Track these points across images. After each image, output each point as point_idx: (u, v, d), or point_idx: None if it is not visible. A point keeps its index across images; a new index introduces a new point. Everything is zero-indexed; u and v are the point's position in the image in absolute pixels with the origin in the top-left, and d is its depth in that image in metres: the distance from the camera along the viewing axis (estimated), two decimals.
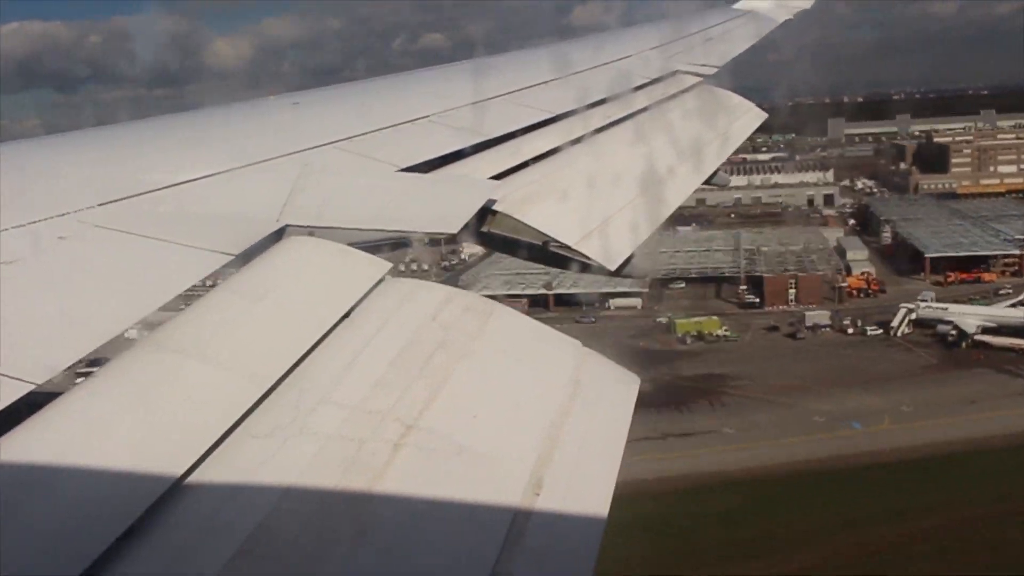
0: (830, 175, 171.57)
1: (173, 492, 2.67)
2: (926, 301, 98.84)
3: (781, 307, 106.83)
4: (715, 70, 10.81)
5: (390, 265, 4.22)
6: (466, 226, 4.61)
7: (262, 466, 2.88)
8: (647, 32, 12.04)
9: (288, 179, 4.78)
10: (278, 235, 4.23)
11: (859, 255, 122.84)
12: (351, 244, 4.31)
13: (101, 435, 2.81)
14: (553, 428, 3.56)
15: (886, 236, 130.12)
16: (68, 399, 2.86)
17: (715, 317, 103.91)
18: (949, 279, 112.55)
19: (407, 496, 2.98)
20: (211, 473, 2.79)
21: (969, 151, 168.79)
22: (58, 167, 4.70)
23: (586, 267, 5.22)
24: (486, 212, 5.10)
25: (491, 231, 5.13)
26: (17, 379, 2.79)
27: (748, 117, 9.64)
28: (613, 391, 4.09)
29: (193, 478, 2.75)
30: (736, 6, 14.58)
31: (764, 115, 9.91)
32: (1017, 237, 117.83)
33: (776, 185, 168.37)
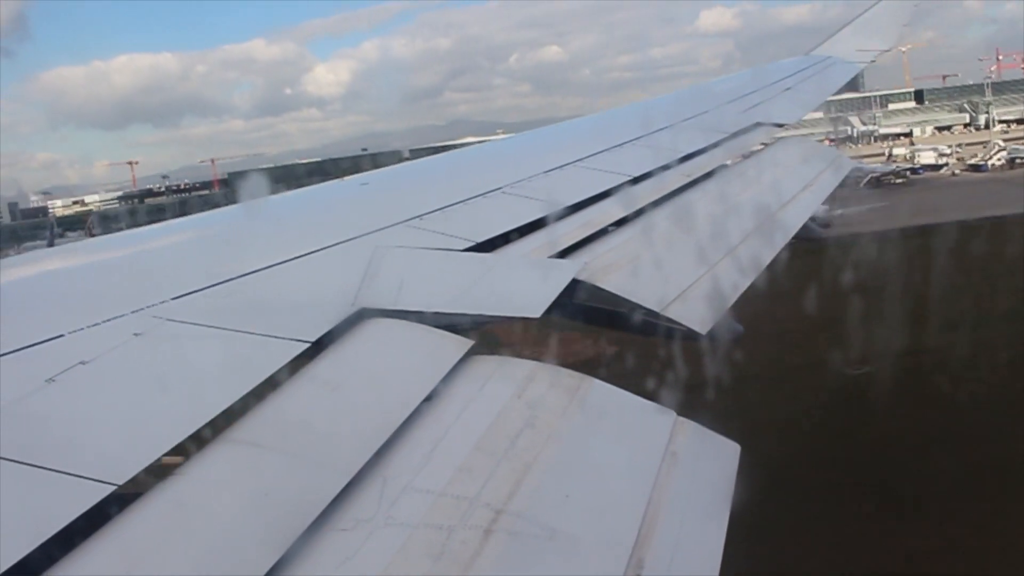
0: None
1: None
2: None
3: None
4: (797, 120, 10.60)
5: (471, 343, 4.13)
6: None
7: (348, 561, 2.76)
8: (725, 85, 11.94)
9: (361, 261, 4.76)
10: (355, 319, 4.18)
11: None
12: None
13: (183, 536, 2.75)
14: (651, 505, 3.37)
15: None
16: (149, 500, 2.81)
17: None
18: None
19: None
20: (296, 571, 2.69)
21: None
22: (130, 262, 4.78)
23: (673, 332, 5.03)
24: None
25: (573, 302, 5.00)
26: (98, 481, 2.75)
27: (835, 165, 9.37)
28: (713, 461, 3.90)
29: None
30: (814, 52, 14.37)
31: (851, 163, 9.64)
32: None
33: None
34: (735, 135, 9.17)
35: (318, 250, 4.93)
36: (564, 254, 5.35)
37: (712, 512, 3.54)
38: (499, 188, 6.38)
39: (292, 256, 4.79)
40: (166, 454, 2.97)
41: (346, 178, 7.26)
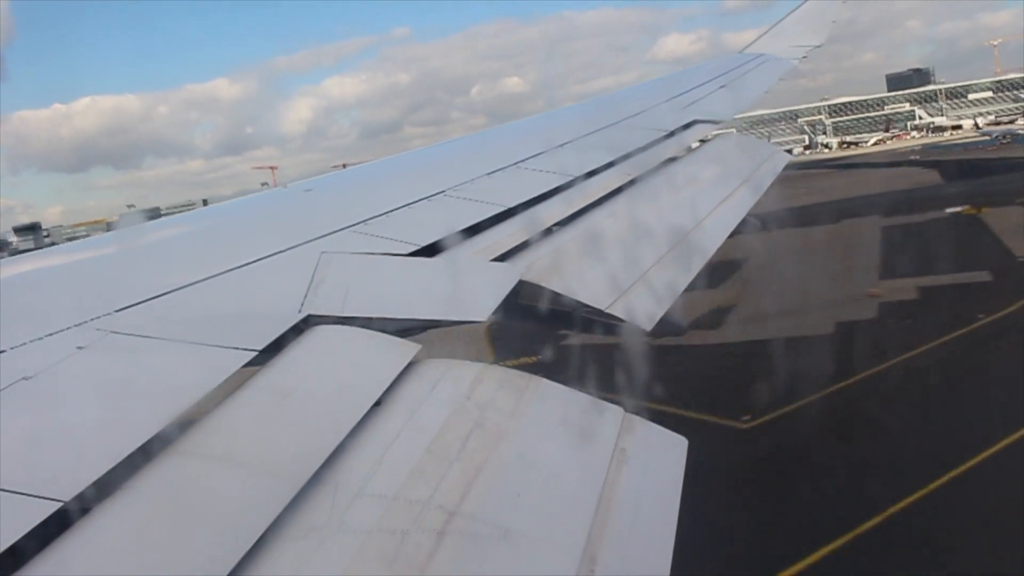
0: None
1: None
2: None
3: None
4: (733, 117, 10.77)
5: (419, 347, 4.13)
6: None
7: (300, 570, 2.75)
8: (660, 85, 12.07)
9: (307, 268, 4.74)
10: (301, 326, 4.16)
11: None
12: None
13: (131, 551, 2.71)
14: (602, 501, 3.42)
15: None
16: (96, 516, 2.77)
17: None
18: None
19: None
20: None
21: None
22: (71, 275, 4.69)
23: (619, 329, 5.09)
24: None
25: (518, 302, 5.03)
26: (43, 498, 2.70)
27: (772, 160, 9.55)
28: (661, 456, 3.96)
29: None
30: (747, 50, 14.61)
31: (788, 157, 9.82)
32: None
33: None
34: (672, 133, 9.29)
35: (263, 258, 4.90)
36: (508, 255, 5.37)
37: (662, 506, 3.59)
38: (442, 191, 6.40)
39: (237, 264, 4.75)
40: (114, 467, 2.93)
41: (289, 184, 7.25)
